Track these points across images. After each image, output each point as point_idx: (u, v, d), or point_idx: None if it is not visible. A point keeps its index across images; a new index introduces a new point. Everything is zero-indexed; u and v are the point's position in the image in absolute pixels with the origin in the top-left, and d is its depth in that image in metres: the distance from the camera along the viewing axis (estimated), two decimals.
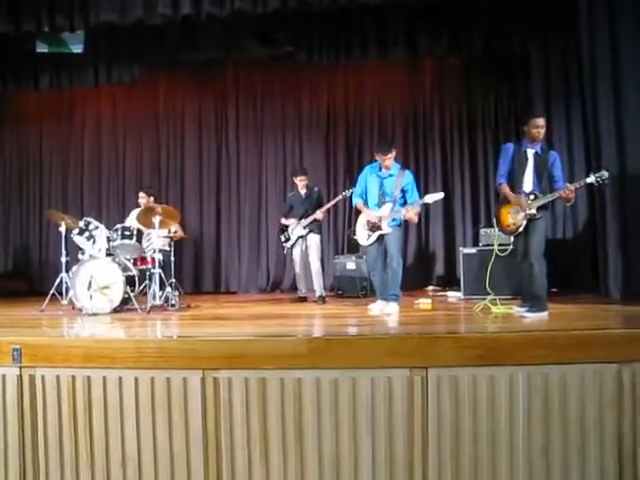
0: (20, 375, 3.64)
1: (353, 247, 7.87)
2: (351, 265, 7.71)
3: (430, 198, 5.72)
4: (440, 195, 5.85)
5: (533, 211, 4.65)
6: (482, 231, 7.14)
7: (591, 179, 4.70)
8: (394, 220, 5.57)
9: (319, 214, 6.99)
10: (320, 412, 3.34)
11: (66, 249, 6.58)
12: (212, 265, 9.33)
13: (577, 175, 6.44)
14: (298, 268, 7.17)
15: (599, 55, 5.97)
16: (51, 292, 6.34)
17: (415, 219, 5.69)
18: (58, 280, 6.46)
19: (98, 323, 5.06)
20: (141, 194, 7.63)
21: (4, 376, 3.65)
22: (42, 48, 7.63)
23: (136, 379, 3.50)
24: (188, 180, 9.46)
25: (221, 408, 3.42)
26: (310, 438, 3.34)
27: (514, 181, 4.83)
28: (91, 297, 5.64)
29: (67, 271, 6.38)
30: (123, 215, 8.32)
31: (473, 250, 6.91)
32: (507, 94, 8.60)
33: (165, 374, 3.47)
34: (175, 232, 7.13)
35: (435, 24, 7.48)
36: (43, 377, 3.62)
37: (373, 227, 5.62)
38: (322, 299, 6.83)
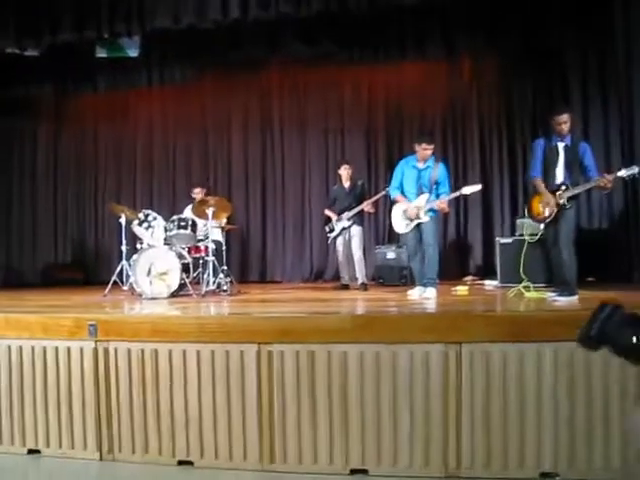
0: (96, 348, 4.06)
1: (393, 237, 8.14)
2: (391, 255, 7.99)
3: (468, 190, 5.96)
4: (478, 187, 6.07)
5: (563, 201, 4.84)
6: (518, 221, 7.28)
7: (622, 173, 4.85)
8: (431, 210, 5.84)
9: (367, 206, 7.20)
10: (363, 381, 3.67)
11: (125, 239, 7.04)
12: (258, 255, 9.72)
13: (614, 167, 6.56)
14: (341, 257, 7.48)
15: (635, 48, 6.10)
16: (113, 279, 6.78)
17: (447, 209, 5.97)
18: (119, 268, 6.91)
19: (160, 305, 5.46)
20: (196, 190, 8.08)
21: (82, 349, 4.08)
22: (101, 53, 8.15)
23: (198, 352, 3.88)
24: (235, 174, 9.88)
25: (274, 377, 3.77)
26: (354, 404, 3.67)
27: (546, 175, 5.00)
28: (151, 283, 6.03)
29: (127, 259, 6.87)
30: (173, 207, 8.77)
31: (509, 240, 7.04)
32: (545, 86, 8.57)
33: (224, 347, 3.85)
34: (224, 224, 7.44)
35: (471, 22, 7.71)
36: (116, 350, 4.04)
37: (412, 217, 5.88)
38: (364, 286, 7.14)
